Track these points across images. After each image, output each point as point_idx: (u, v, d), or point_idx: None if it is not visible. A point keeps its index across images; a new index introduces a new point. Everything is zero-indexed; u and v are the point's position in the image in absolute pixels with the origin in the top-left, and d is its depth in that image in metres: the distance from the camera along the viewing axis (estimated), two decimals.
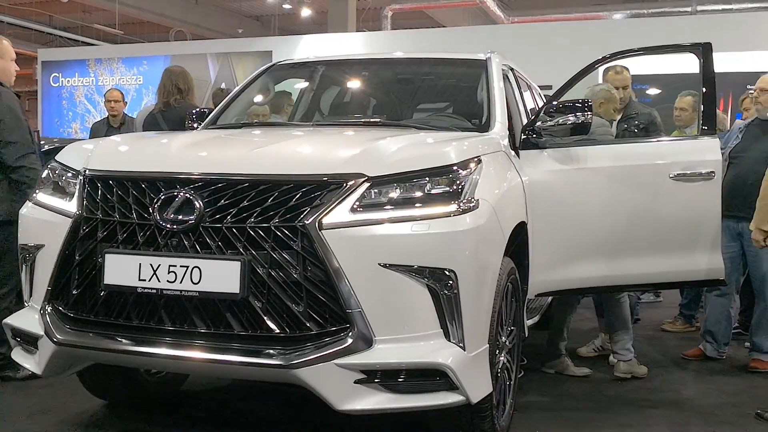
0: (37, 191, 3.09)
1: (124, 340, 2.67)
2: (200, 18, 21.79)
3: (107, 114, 6.97)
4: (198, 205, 2.60)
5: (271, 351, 2.53)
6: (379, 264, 2.54)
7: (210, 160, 2.86)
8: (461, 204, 2.68)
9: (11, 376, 4.00)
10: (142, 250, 2.65)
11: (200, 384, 4.02)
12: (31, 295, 2.99)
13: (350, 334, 2.52)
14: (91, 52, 17.40)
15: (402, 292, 2.56)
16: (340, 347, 2.50)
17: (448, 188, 2.71)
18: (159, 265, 2.58)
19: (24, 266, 3.04)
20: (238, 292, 2.51)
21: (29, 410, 3.56)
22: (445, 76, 4.42)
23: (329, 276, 2.51)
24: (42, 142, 5.98)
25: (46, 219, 2.92)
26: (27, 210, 3.08)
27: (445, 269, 2.59)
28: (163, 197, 2.65)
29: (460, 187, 2.72)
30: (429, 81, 4.41)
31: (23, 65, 20.74)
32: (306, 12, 19.91)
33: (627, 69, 5.25)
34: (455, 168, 2.76)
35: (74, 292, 2.77)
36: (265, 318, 2.54)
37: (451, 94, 4.32)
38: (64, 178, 2.99)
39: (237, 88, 4.43)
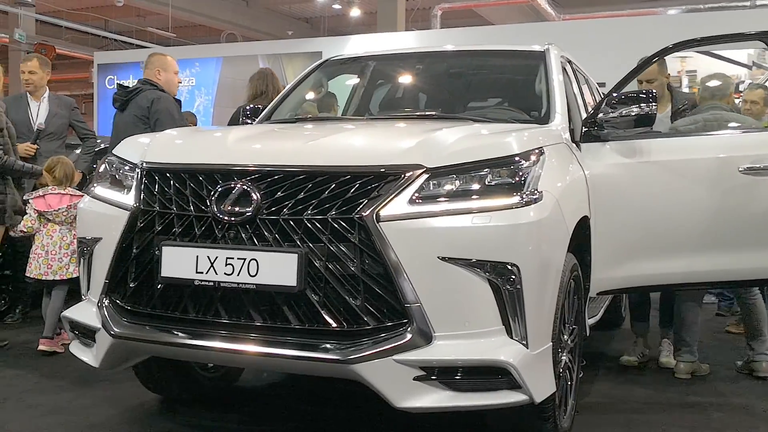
0: (95, 185, 3.11)
1: (180, 334, 2.65)
2: (251, 21, 22.02)
3: None
4: (255, 197, 2.56)
5: (328, 345, 2.48)
6: (438, 257, 2.46)
7: (267, 152, 2.83)
8: (524, 196, 2.59)
9: None
10: (200, 243, 2.62)
11: (253, 380, 4.00)
12: (88, 289, 3.00)
13: (409, 329, 2.45)
14: (146, 54, 17.64)
15: (462, 287, 2.48)
16: (399, 343, 2.43)
17: (510, 179, 2.62)
18: (216, 257, 2.55)
19: (82, 260, 3.05)
20: (295, 285, 2.47)
21: (85, 403, 3.60)
22: (500, 68, 4.33)
23: (387, 269, 2.44)
24: (98, 140, 6.08)
25: (103, 212, 2.93)
26: (85, 203, 3.10)
27: (507, 263, 2.50)
28: (220, 189, 2.62)
29: (522, 178, 2.63)
30: (484, 74, 4.32)
31: (81, 69, 21.32)
32: (355, 12, 19.93)
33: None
34: (517, 159, 2.67)
35: (131, 285, 2.76)
36: (322, 312, 2.48)
37: (507, 87, 4.21)
38: (121, 171, 3.00)
39: (290, 84, 4.41)
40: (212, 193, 2.63)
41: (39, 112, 5.60)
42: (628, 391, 3.98)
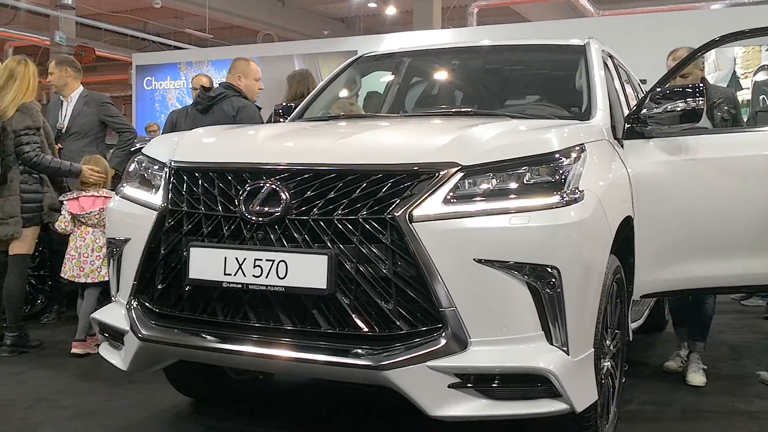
0: (124, 184, 3.06)
1: (209, 337, 2.59)
2: (287, 21, 22.10)
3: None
4: (284, 197, 2.48)
5: (359, 350, 2.39)
6: (474, 259, 2.36)
7: (296, 150, 2.76)
8: (564, 195, 2.46)
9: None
10: (228, 244, 2.56)
11: (286, 382, 3.94)
12: (118, 290, 2.96)
13: (443, 334, 2.34)
14: (182, 55, 17.84)
15: (499, 291, 2.37)
16: (433, 348, 2.33)
17: (549, 178, 2.50)
18: (245, 258, 2.48)
19: (111, 260, 3.01)
20: (325, 287, 2.38)
21: (116, 406, 3.56)
22: (539, 63, 4.19)
23: (420, 272, 2.34)
24: (135, 135, 6.06)
25: (132, 212, 2.88)
26: (114, 204, 3.06)
27: (547, 266, 2.38)
28: (248, 189, 2.55)
29: (563, 176, 2.51)
30: (522, 69, 4.19)
31: (120, 71, 21.62)
32: (391, 11, 19.87)
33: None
34: (557, 156, 2.55)
35: (159, 286, 2.71)
36: (353, 315, 2.40)
37: (546, 83, 4.08)
38: (150, 170, 2.95)
39: (323, 82, 4.34)
40: (240, 192, 2.56)
41: (66, 111, 5.58)
42: (672, 398, 3.81)
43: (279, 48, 16.54)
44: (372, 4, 20.58)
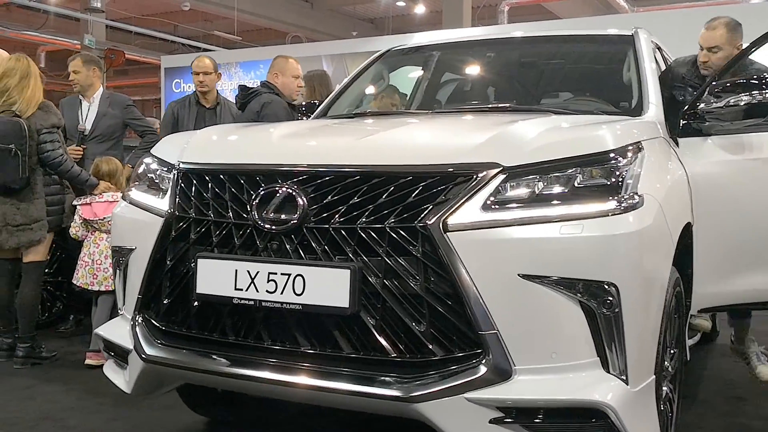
0: (131, 188, 2.81)
1: (219, 359, 2.31)
2: (315, 23, 21.95)
3: (194, 91, 5.44)
4: (301, 202, 2.20)
5: (387, 379, 2.09)
6: (519, 275, 2.04)
7: (315, 151, 2.47)
8: (622, 200, 2.14)
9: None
10: (239, 255, 2.28)
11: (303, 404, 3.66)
12: (124, 303, 2.71)
13: (484, 361, 2.04)
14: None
15: (547, 311, 2.06)
16: (472, 377, 2.02)
17: (604, 180, 2.18)
18: (257, 272, 2.20)
19: (117, 271, 2.75)
20: (347, 306, 2.09)
21: (125, 426, 3.31)
22: (581, 55, 3.86)
23: (456, 288, 2.04)
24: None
25: (137, 218, 2.62)
26: (120, 209, 2.81)
27: (604, 282, 2.06)
28: (262, 193, 2.27)
29: (619, 179, 2.18)
30: (563, 61, 3.86)
31: (150, 74, 21.62)
32: (420, 9, 19.58)
33: (728, 25, 3.90)
34: (612, 156, 2.22)
35: (165, 301, 2.44)
36: (380, 338, 2.10)
37: (589, 75, 3.74)
38: (158, 172, 2.69)
39: (349, 77, 4.05)
40: (253, 197, 2.28)
41: (88, 113, 5.36)
42: (738, 422, 3.45)
43: (307, 49, 16.32)
44: (401, 3, 20.29)
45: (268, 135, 2.70)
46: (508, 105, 3.34)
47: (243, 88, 4.84)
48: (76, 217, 4.33)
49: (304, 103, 4.01)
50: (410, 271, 2.08)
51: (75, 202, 4.43)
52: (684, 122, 3.12)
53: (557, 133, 2.36)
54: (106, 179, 4.50)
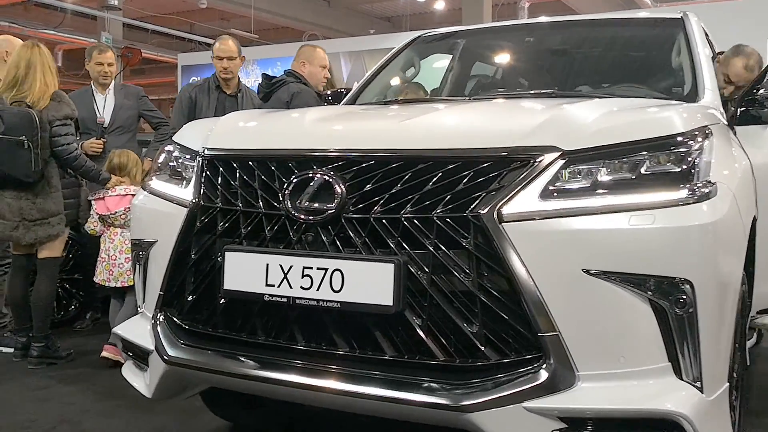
0: (151, 177, 2.63)
1: (247, 361, 2.11)
2: (332, 21, 21.83)
3: (214, 74, 4.99)
4: (339, 190, 2.00)
5: (434, 385, 1.89)
6: (584, 270, 1.83)
7: (353, 135, 2.27)
8: (695, 189, 1.92)
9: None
10: (270, 248, 2.08)
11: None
12: (144, 300, 2.52)
13: (544, 366, 1.83)
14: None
15: (615, 310, 1.84)
16: (532, 384, 1.81)
17: (674, 167, 1.96)
18: (291, 266, 2.00)
19: (137, 266, 2.57)
20: (390, 304, 1.89)
21: (143, 430, 3.13)
22: (626, 40, 3.64)
23: (513, 285, 1.83)
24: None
25: (159, 209, 2.44)
26: (139, 200, 2.62)
27: (678, 279, 1.84)
28: (295, 181, 2.07)
29: (690, 165, 1.97)
30: (606, 47, 3.63)
31: (168, 73, 21.55)
32: (439, 5, 19.38)
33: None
34: (682, 139, 2.01)
35: (189, 298, 2.26)
36: (426, 340, 1.90)
37: (635, 61, 3.52)
38: (180, 160, 2.50)
39: (378, 64, 3.86)
40: (286, 185, 2.08)
41: (105, 105, 5.20)
42: None
43: (325, 46, 16.10)
44: None
45: (301, 119, 2.50)
46: (551, 91, 3.12)
47: (267, 77, 4.60)
48: (92, 212, 4.17)
49: (329, 92, 3.80)
50: (461, 266, 1.88)
51: (89, 197, 4.27)
52: (743, 109, 2.90)
53: (619, 116, 2.15)
54: (117, 172, 4.33)
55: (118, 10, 18.11)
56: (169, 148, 2.61)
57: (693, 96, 2.89)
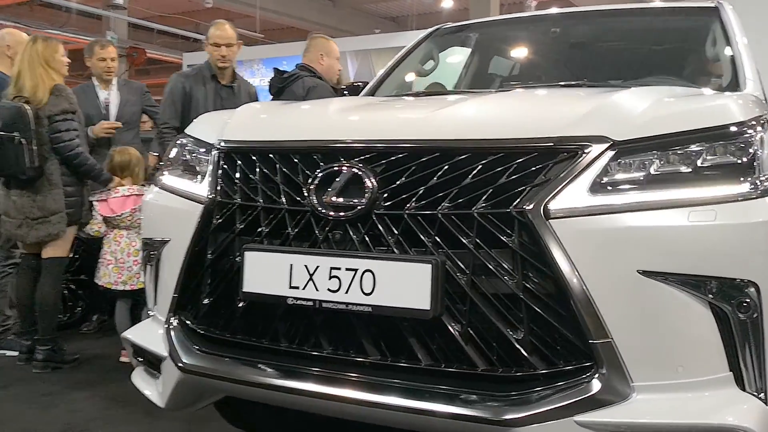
0: (164, 173, 2.48)
1: (269, 370, 1.96)
2: (337, 21, 21.72)
3: (207, 63, 4.59)
4: (369, 184, 1.85)
5: (473, 396, 1.73)
6: (639, 272, 1.68)
7: (385, 124, 2.11)
8: (757, 182, 1.77)
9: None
10: (294, 247, 1.93)
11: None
12: (155, 303, 2.37)
13: (597, 376, 1.67)
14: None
15: (673, 315, 1.69)
16: (583, 396, 1.65)
17: (734, 159, 1.80)
18: (317, 267, 1.85)
19: (148, 266, 2.43)
20: (428, 307, 1.73)
21: None
22: (657, 30, 3.49)
23: (562, 287, 1.68)
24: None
25: (172, 206, 2.29)
26: (151, 197, 2.48)
27: (741, 281, 1.69)
28: (321, 174, 1.92)
29: (752, 156, 1.81)
30: (636, 37, 3.49)
31: (173, 73, 21.46)
32: (447, 3, 19.26)
33: None
34: (742, 129, 1.85)
35: (206, 301, 2.11)
36: (466, 347, 1.74)
37: (668, 52, 3.37)
38: (195, 154, 2.35)
39: (396, 57, 3.70)
40: (311, 179, 1.93)
41: (109, 100, 5.05)
42: None
43: None
44: None
45: (325, 109, 2.35)
46: (581, 83, 2.96)
47: (279, 72, 4.41)
48: (95, 213, 4.03)
49: (344, 86, 3.65)
50: (504, 266, 1.73)
51: (91, 198, 4.12)
52: None
53: (672, 104, 2.00)
54: (119, 171, 4.17)
55: (123, 10, 18.00)
56: (182, 141, 2.46)
57: (734, 87, 2.73)
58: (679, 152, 1.80)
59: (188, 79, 4.52)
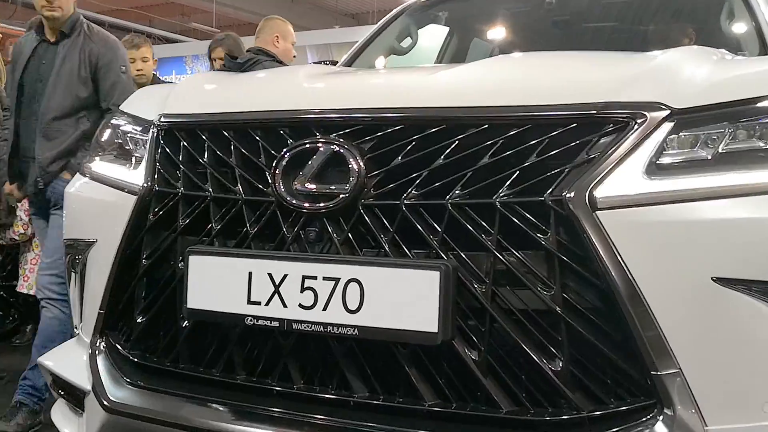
0: (92, 158, 2.00)
1: (221, 410, 1.51)
2: (296, 17, 21.34)
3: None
4: (355, 166, 1.41)
5: None
6: (714, 279, 1.27)
7: (374, 89, 1.67)
8: None
9: None
10: (255, 249, 1.49)
11: None
12: (81, 320, 1.90)
13: (661, 418, 1.26)
14: (188, 48, 17.39)
15: (760, 338, 1.28)
16: None
17: None
18: (285, 275, 1.40)
19: (72, 274, 1.95)
20: (435, 330, 1.30)
21: None
22: (674, 2, 3.16)
23: (614, 302, 1.26)
24: None
25: (98, 199, 1.83)
26: (75, 187, 2.00)
27: None
28: (290, 154, 1.47)
29: None
30: (651, 10, 3.14)
31: None
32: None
33: None
34: None
35: (139, 319, 1.65)
36: (485, 381, 1.32)
37: (686, 25, 3.02)
38: (129, 135, 1.89)
39: (369, 32, 3.29)
40: (277, 160, 1.48)
41: None
42: None
43: None
44: None
45: (295, 75, 1.90)
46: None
47: (232, 58, 3.95)
48: (20, 213, 3.55)
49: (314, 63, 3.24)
50: (536, 274, 1.30)
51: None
52: None
53: (739, 65, 1.60)
54: None
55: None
56: (116, 120, 1.99)
57: None
58: (755, 124, 1.39)
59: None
